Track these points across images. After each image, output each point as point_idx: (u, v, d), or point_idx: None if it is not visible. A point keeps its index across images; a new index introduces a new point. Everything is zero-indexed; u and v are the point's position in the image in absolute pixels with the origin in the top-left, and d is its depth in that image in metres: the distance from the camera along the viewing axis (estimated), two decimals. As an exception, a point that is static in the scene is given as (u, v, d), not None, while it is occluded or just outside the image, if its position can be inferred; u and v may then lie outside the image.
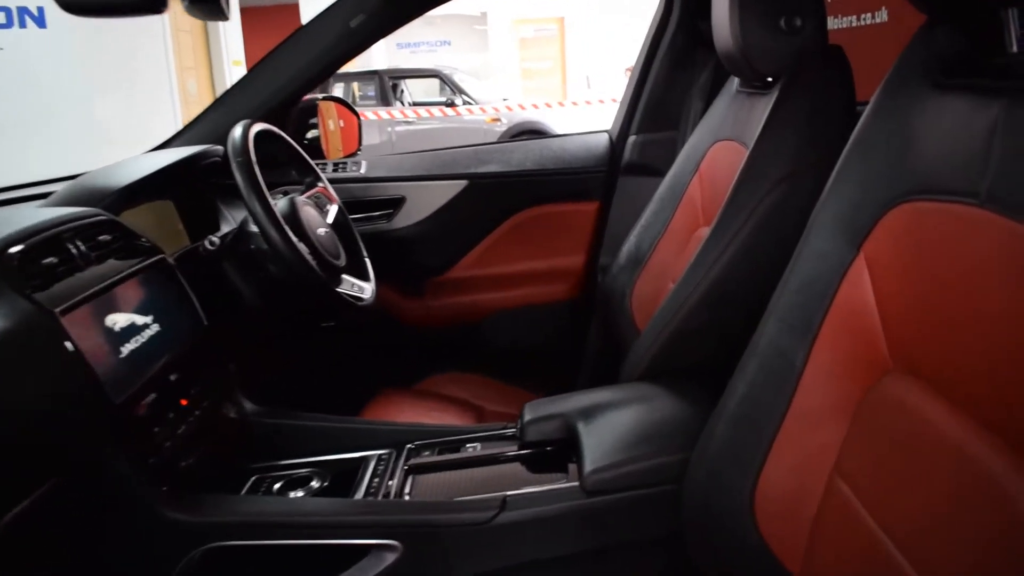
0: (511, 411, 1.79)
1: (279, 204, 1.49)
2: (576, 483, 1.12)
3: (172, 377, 1.22)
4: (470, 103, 9.10)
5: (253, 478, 1.29)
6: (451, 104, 9.07)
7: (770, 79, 1.39)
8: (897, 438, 0.76)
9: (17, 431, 0.92)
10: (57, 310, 0.99)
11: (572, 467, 1.19)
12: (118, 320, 1.11)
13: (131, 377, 1.08)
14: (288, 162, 1.67)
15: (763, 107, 1.35)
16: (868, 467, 0.79)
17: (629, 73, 2.16)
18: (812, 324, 0.87)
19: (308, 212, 1.52)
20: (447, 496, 1.18)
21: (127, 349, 1.10)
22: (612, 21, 12.80)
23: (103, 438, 1.03)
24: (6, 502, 0.89)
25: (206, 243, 1.42)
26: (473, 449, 1.29)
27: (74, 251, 1.10)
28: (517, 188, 2.02)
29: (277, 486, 1.26)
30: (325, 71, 1.81)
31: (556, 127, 8.79)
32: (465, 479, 1.23)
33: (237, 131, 1.41)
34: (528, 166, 2.01)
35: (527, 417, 1.24)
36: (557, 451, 1.23)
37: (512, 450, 1.26)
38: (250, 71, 1.81)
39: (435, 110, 9.04)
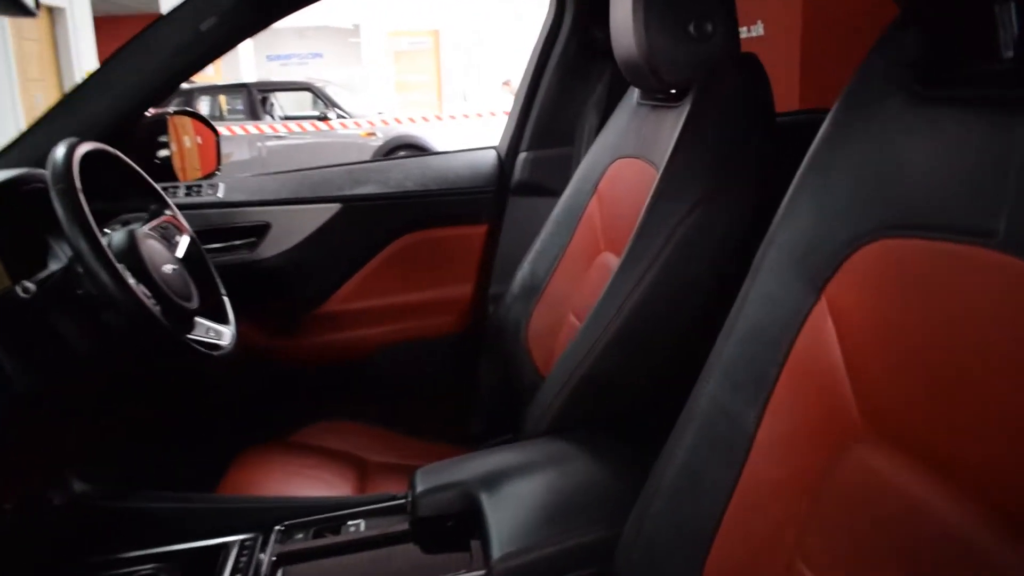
0: (399, 461, 1.61)
1: (114, 238, 1.26)
2: (482, 572, 0.94)
3: None
4: (344, 117, 8.84)
5: None
6: (324, 118, 8.79)
7: (674, 91, 1.26)
8: (871, 516, 0.64)
9: None
10: None
11: (476, 545, 1.01)
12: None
13: None
14: (129, 188, 1.43)
15: (672, 121, 1.22)
16: (836, 549, 0.66)
17: (506, 87, 2.02)
18: (765, 381, 0.73)
19: (151, 247, 1.29)
20: None
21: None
22: (488, 34, 12.76)
23: None
24: None
25: (18, 289, 1.17)
26: (356, 528, 1.09)
27: None
28: (397, 211, 1.83)
29: None
30: (172, 81, 1.57)
31: (433, 141, 8.64)
32: (348, 568, 1.03)
33: (58, 152, 1.18)
34: (409, 186, 1.82)
35: (419, 488, 1.05)
36: (456, 526, 1.05)
37: (403, 526, 1.07)
38: (83, 81, 1.55)
39: (307, 124, 8.73)
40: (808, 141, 0.77)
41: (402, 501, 1.12)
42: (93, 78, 1.54)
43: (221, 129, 8.52)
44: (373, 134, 8.71)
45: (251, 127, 8.69)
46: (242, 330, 1.49)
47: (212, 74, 13.43)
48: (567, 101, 1.81)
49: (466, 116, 9.30)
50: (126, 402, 1.53)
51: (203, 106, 8.96)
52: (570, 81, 1.81)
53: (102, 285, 1.10)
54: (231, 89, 9.23)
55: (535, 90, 1.84)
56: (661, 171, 1.17)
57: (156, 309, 1.20)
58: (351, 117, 8.87)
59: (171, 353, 1.18)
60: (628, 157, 1.41)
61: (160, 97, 1.60)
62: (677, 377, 0.86)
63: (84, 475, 1.19)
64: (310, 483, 1.46)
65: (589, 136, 1.75)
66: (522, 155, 1.85)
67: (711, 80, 1.15)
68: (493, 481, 1.03)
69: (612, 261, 1.36)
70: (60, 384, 1.20)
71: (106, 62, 1.54)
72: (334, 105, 8.96)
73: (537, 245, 1.59)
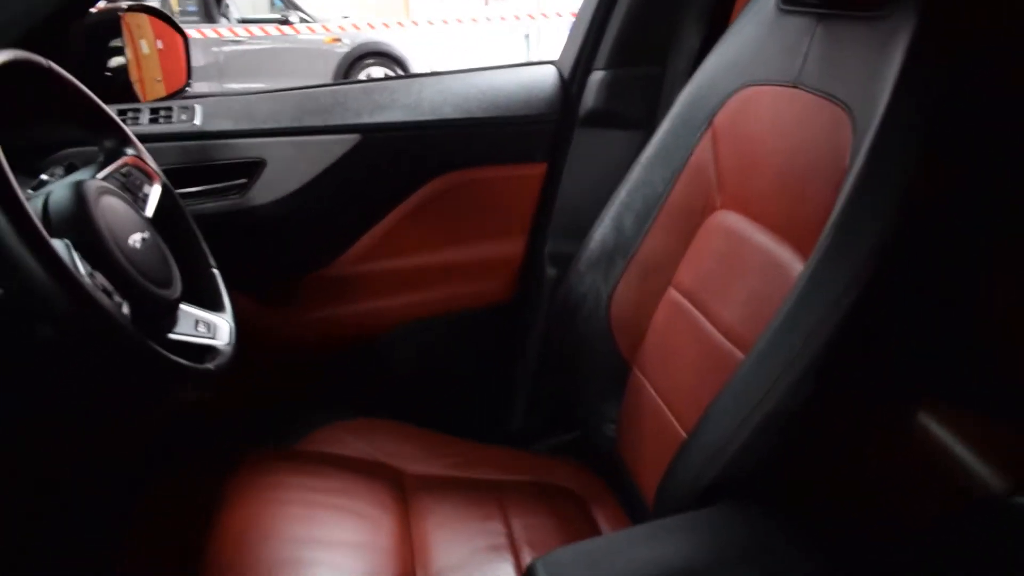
0: (443, 472, 1.27)
1: (54, 198, 0.85)
2: None
3: None
4: (307, 21, 8.19)
5: None
6: (285, 21, 8.14)
7: None
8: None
9: None
10: None
11: None
12: None
13: None
14: (71, 115, 1.00)
15: (871, 42, 0.87)
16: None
17: None
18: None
19: (110, 208, 0.88)
20: None
21: None
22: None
23: None
24: None
25: None
26: None
27: None
28: (432, 144, 1.41)
29: None
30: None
31: (405, 50, 8.05)
32: None
33: None
34: (446, 112, 1.40)
35: None
36: None
37: None
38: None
39: (269, 28, 8.04)
40: None
41: None
42: None
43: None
44: (338, 40, 8.09)
45: (207, 31, 8.02)
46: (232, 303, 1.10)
47: (162, -30, 12.53)
48: (659, 4, 1.39)
49: (444, 22, 8.65)
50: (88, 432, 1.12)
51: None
52: None
53: (32, 283, 0.69)
54: (182, -12, 8.48)
55: None
56: (875, 127, 0.79)
57: (124, 310, 0.79)
58: (315, 21, 8.24)
59: (149, 370, 0.79)
60: (771, 84, 1.03)
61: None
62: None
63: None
64: (340, 518, 1.09)
65: (690, 53, 1.36)
66: (595, 74, 1.42)
67: None
68: None
69: (736, 222, 1.05)
70: None
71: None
72: (296, 7, 8.35)
73: (622, 195, 1.22)
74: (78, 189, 0.85)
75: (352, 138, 1.36)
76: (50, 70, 0.92)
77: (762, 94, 1.05)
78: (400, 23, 8.65)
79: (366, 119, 1.37)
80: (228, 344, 0.96)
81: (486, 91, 1.42)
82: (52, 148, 1.19)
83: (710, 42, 1.21)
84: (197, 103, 1.36)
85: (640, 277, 1.19)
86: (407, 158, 1.40)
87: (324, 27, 8.14)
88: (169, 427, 1.28)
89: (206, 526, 1.03)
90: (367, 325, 1.47)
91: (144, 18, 1.42)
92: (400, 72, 8.02)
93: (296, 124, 1.35)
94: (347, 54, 8.04)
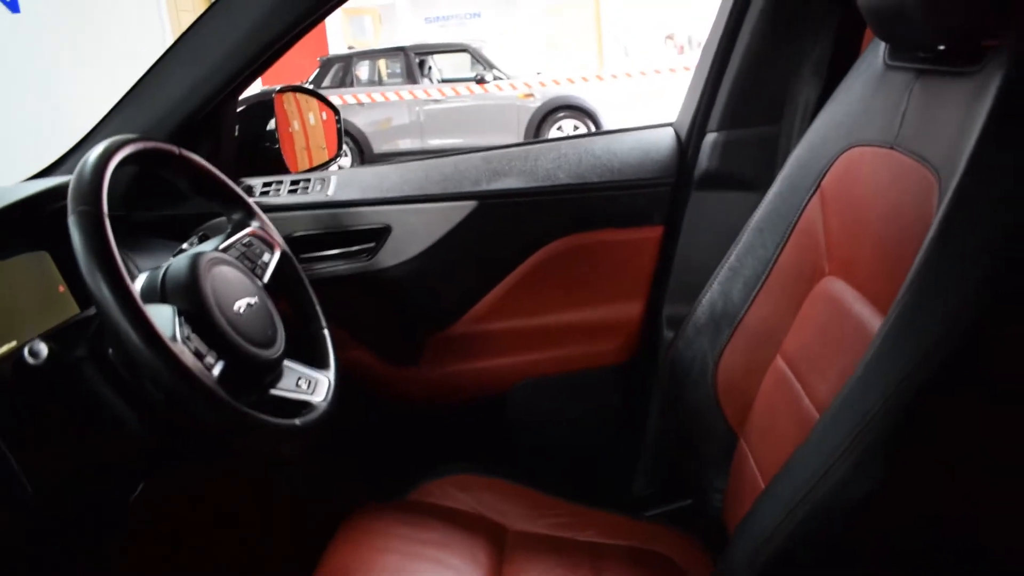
0: (547, 532, 1.27)
1: (172, 268, 0.96)
2: None
3: None
4: (501, 78, 8.57)
5: None
6: (480, 80, 8.57)
7: (962, 49, 0.83)
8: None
9: None
10: None
11: None
12: None
13: None
14: (206, 193, 1.13)
15: (962, 98, 0.80)
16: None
17: (670, 41, 1.58)
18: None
19: (221, 277, 0.98)
20: None
21: None
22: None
23: None
24: None
25: (26, 355, 0.88)
26: None
27: None
28: (547, 209, 1.44)
29: None
30: (264, 53, 1.25)
31: (594, 103, 8.19)
32: None
33: (90, 158, 0.89)
34: (561, 178, 1.43)
35: None
36: None
37: None
38: (155, 63, 1.25)
39: (463, 87, 8.49)
40: None
41: None
42: (166, 58, 1.25)
43: (385, 95, 8.50)
44: (531, 95, 8.45)
45: (405, 92, 8.58)
46: (353, 358, 1.17)
47: (371, 39, 13.51)
48: (773, 63, 1.35)
49: (628, 75, 8.73)
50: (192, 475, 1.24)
51: (362, 71, 9.00)
52: (778, 34, 1.35)
53: (129, 349, 0.79)
54: (389, 53, 9.16)
55: (729, 48, 1.39)
56: (955, 183, 0.74)
57: (214, 371, 0.88)
58: (508, 78, 8.61)
59: (233, 431, 0.87)
60: (873, 145, 0.99)
61: (255, 75, 1.29)
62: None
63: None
64: (434, 569, 1.13)
65: (804, 112, 1.31)
66: (710, 136, 1.41)
67: None
68: None
69: (841, 290, 1.00)
70: (102, 466, 0.92)
71: (182, 37, 1.24)
72: (491, 67, 8.76)
73: (731, 259, 1.19)
74: (193, 261, 0.96)
75: (470, 204, 1.42)
76: (181, 156, 1.05)
77: (865, 155, 1.01)
78: (589, 77, 8.80)
79: (483, 186, 1.43)
80: (324, 400, 1.04)
81: (600, 156, 1.44)
82: (206, 217, 1.34)
83: (825, 99, 1.18)
84: (333, 175, 1.48)
85: (747, 344, 1.15)
86: (523, 223, 1.44)
87: (513, 85, 8.49)
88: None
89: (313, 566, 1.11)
90: (485, 383, 1.51)
91: (293, 97, 1.57)
92: (591, 125, 8.17)
93: (419, 192, 1.43)
94: (539, 108, 8.37)
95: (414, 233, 1.43)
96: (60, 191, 1.13)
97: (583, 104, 8.34)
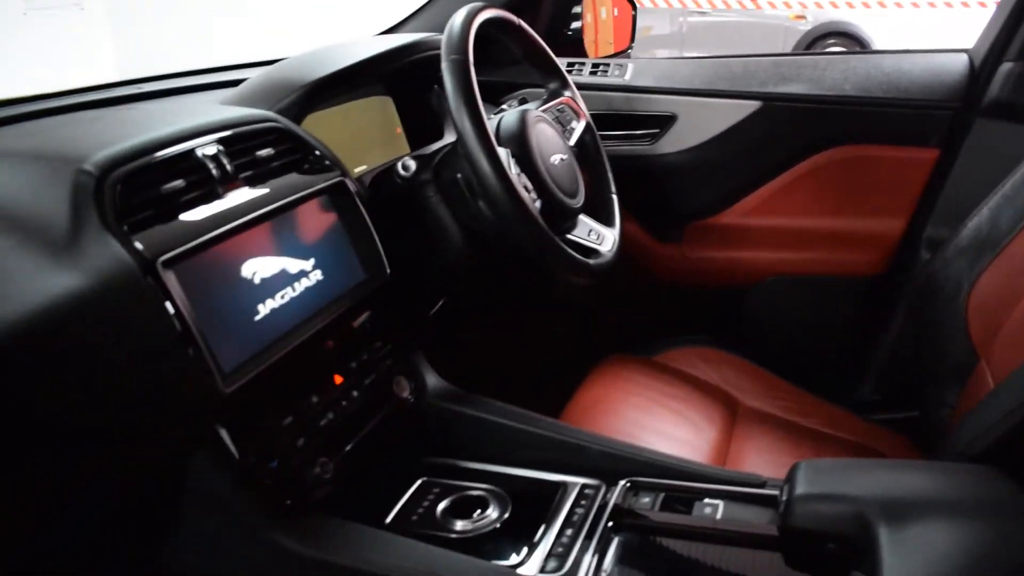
0: (776, 413, 1.38)
1: (504, 120, 1.15)
2: None
3: (329, 344, 0.94)
4: (774, -5, 8.15)
5: (420, 480, 1.00)
6: (752, -7, 8.18)
7: None
8: None
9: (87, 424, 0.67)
10: (162, 259, 0.72)
11: None
12: (261, 267, 0.83)
13: (263, 350, 0.81)
14: (531, 62, 1.31)
15: None
16: None
17: None
18: None
19: (542, 133, 1.16)
20: None
21: (267, 308, 0.83)
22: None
23: (199, 437, 0.77)
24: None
25: (399, 167, 1.11)
26: (712, 510, 0.90)
27: (214, 171, 0.83)
28: (828, 118, 1.51)
29: (443, 505, 0.95)
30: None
31: (872, 34, 7.60)
32: (695, 561, 0.85)
33: (458, 18, 1.08)
34: (847, 90, 1.49)
35: (800, 488, 0.81)
36: (837, 551, 0.81)
37: (765, 527, 0.86)
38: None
39: (733, 1, 8.17)
40: None
41: (772, 492, 0.90)
42: None
43: (643, 1, 8.29)
44: (803, 17, 7.91)
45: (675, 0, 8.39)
46: (627, 230, 1.34)
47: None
48: None
49: (932, 4, 7.93)
50: (488, 299, 1.46)
51: (628, -26, 8.83)
52: None
53: (480, 173, 1.00)
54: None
55: None
56: None
57: (535, 205, 1.07)
58: (782, -5, 8.14)
59: (545, 254, 1.06)
60: None
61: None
62: None
63: (438, 370, 1.14)
64: (674, 418, 1.30)
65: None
66: (1006, 65, 1.40)
67: None
68: (902, 511, 0.76)
69: None
70: (427, 271, 1.15)
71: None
72: (765, -20, 8.30)
73: (1006, 187, 1.20)
74: (522, 115, 1.15)
75: (754, 104, 1.51)
76: (520, 27, 1.23)
77: None
78: (866, 3, 8.15)
79: (770, 88, 1.51)
80: (610, 251, 1.21)
81: (890, 73, 1.47)
82: (515, 86, 1.54)
83: None
84: (631, 62, 1.62)
85: (1006, 271, 1.16)
86: (803, 128, 1.52)
87: (787, 3, 8.01)
88: None
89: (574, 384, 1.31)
90: (737, 272, 1.63)
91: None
92: (862, 54, 7.63)
93: (707, 87, 1.55)
94: (808, 32, 7.82)
95: (697, 125, 1.55)
96: (408, 48, 1.36)
97: (858, 32, 7.68)
